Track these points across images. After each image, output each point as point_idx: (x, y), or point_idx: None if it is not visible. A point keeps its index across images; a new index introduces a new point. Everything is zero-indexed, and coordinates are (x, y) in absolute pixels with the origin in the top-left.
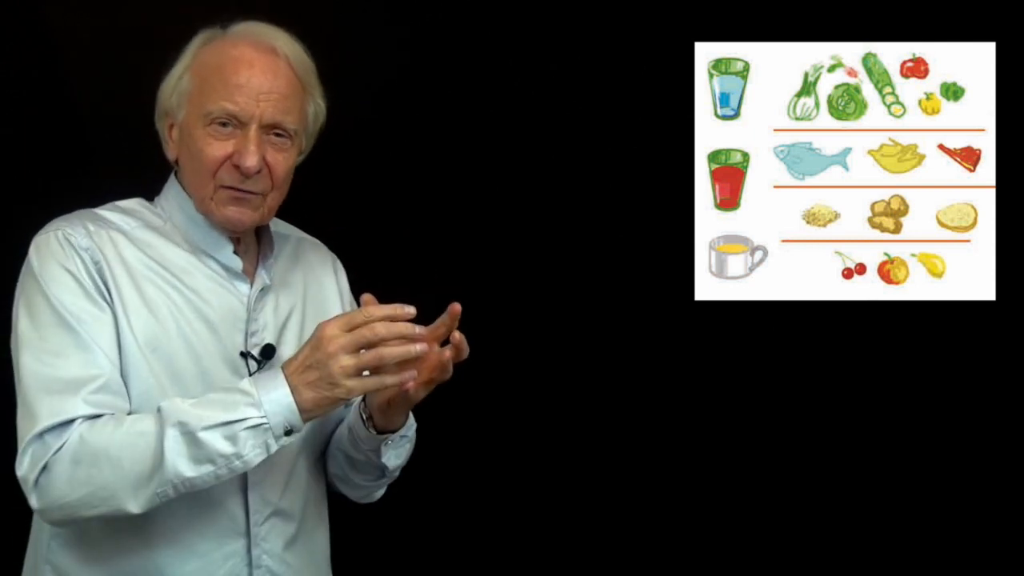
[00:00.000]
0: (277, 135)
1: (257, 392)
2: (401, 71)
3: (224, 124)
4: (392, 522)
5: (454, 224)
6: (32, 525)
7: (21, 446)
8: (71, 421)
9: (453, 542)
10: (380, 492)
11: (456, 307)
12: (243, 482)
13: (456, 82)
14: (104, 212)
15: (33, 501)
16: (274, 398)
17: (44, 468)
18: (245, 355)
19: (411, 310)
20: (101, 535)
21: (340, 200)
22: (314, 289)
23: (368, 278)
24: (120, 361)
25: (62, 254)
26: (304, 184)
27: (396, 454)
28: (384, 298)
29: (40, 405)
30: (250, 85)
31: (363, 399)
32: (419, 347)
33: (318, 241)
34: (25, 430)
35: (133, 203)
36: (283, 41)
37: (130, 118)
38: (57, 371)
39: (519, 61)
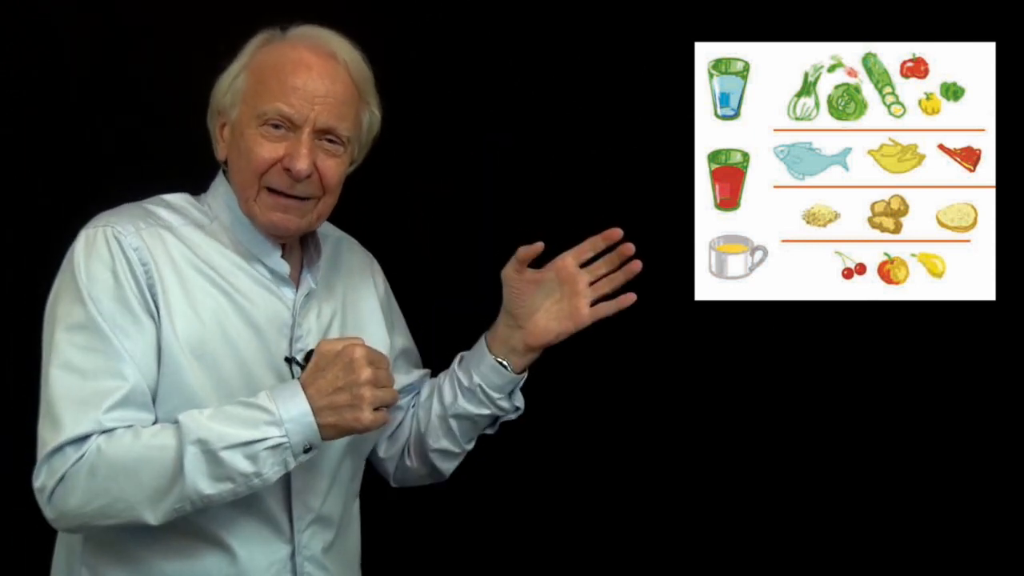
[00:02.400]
0: (330, 141)
1: (278, 410)
2: (400, 71)
3: (277, 126)
4: (416, 520)
5: (453, 224)
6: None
7: (42, 454)
8: (92, 434)
9: (463, 539)
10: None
11: (614, 233)
12: (287, 490)
13: (456, 82)
14: (151, 207)
15: (47, 511)
16: (295, 417)
17: (61, 479)
18: (290, 361)
19: None
20: (145, 539)
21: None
22: (352, 296)
23: None
24: (159, 370)
25: (108, 254)
26: None
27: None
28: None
29: (65, 415)
30: (306, 88)
31: (489, 343)
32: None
33: (355, 241)
34: (48, 439)
35: (179, 199)
36: (343, 47)
37: (131, 118)
38: (85, 379)
39: (519, 61)
